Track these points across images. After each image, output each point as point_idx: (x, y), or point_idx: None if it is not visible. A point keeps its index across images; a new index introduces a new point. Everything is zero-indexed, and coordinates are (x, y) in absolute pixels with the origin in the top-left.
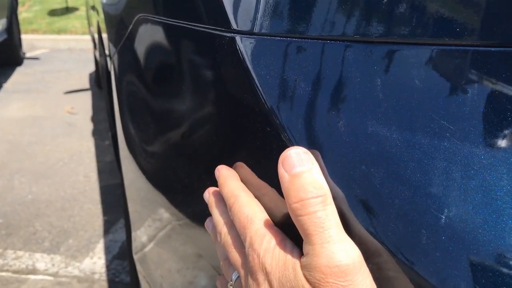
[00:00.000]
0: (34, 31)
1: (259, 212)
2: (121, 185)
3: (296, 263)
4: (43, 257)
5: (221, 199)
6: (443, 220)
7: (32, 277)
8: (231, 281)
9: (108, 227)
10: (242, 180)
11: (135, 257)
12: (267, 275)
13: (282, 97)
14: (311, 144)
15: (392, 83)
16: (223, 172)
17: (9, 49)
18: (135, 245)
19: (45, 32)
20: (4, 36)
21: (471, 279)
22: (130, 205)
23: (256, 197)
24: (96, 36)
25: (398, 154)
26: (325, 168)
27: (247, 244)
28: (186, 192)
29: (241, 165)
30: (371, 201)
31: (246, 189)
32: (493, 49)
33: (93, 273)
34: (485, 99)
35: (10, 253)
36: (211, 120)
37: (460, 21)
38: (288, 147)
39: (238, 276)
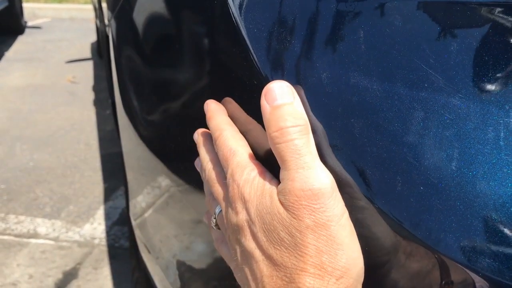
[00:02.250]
0: (35, 0)
1: (243, 145)
2: (121, 153)
3: (273, 190)
4: (44, 222)
5: (208, 138)
6: (418, 168)
7: (33, 241)
8: (214, 214)
9: (108, 194)
10: (229, 116)
11: (134, 223)
12: (245, 203)
13: (269, 50)
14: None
15: (374, 35)
16: (211, 107)
17: (10, 17)
18: (134, 211)
19: (46, 1)
20: (5, 4)
21: (443, 224)
22: (129, 173)
23: (242, 132)
24: (96, 4)
25: (378, 104)
26: (306, 103)
27: (228, 175)
28: (184, 159)
29: (229, 100)
30: (350, 149)
31: (232, 123)
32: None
33: (93, 238)
34: (464, 50)
35: (12, 217)
36: (207, 84)
37: None
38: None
39: (221, 210)
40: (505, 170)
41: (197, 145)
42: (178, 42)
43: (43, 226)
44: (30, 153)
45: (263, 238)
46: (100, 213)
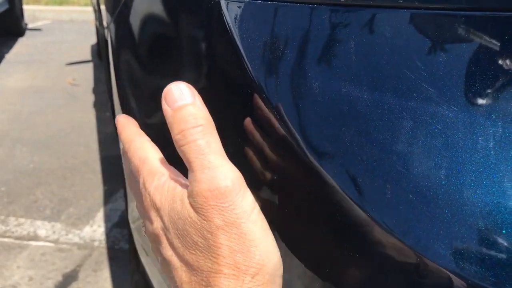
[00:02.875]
0: (36, 2)
1: (152, 153)
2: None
3: (184, 194)
4: (44, 225)
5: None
6: (407, 176)
7: (33, 243)
8: (143, 226)
9: (108, 197)
10: (145, 124)
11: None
12: (158, 211)
13: (262, 59)
14: (287, 104)
15: (365, 46)
16: (120, 120)
17: (11, 19)
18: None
19: (47, 3)
20: (6, 6)
21: (431, 231)
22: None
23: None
24: (96, 6)
25: (368, 113)
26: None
27: (140, 185)
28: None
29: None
30: (341, 157)
31: (142, 133)
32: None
33: (93, 240)
34: (453, 61)
35: (12, 220)
36: (204, 88)
37: None
38: (267, 106)
39: None
40: (491, 179)
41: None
42: (175, 48)
43: (43, 228)
44: (30, 155)
45: (178, 244)
46: (100, 216)
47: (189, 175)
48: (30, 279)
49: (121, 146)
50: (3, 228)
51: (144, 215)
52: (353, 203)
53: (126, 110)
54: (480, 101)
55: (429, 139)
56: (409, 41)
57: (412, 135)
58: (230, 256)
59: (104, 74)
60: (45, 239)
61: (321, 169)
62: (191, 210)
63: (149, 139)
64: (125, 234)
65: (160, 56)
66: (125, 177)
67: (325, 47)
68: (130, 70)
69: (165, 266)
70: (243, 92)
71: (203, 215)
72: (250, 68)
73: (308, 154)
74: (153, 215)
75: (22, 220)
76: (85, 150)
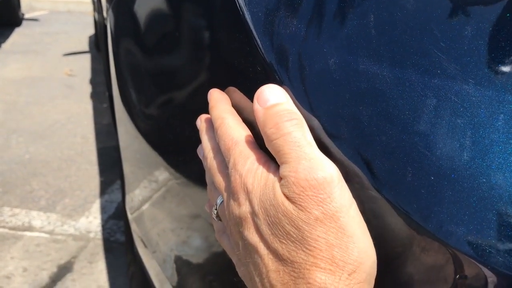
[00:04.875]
0: None
1: (245, 135)
2: (118, 147)
3: (276, 182)
4: (39, 215)
5: (211, 125)
6: (429, 158)
7: (28, 233)
8: (215, 205)
9: (104, 188)
10: (234, 105)
11: (130, 217)
12: (248, 194)
13: (274, 34)
14: (301, 82)
15: (384, 19)
16: (214, 95)
17: (8, 9)
18: (130, 205)
19: None
20: None
21: (455, 217)
22: (126, 166)
23: (246, 122)
24: None
25: (388, 91)
26: (299, 104)
27: (230, 165)
28: (182, 152)
29: (233, 90)
30: (358, 138)
31: (235, 112)
32: None
33: (89, 232)
34: (477, 35)
35: (6, 210)
36: (208, 74)
37: None
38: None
39: (223, 201)
40: None
41: (200, 132)
42: (178, 32)
43: (38, 219)
44: (26, 145)
45: (268, 231)
46: (95, 207)
47: (282, 168)
48: (25, 270)
49: (198, 123)
50: None
51: (231, 196)
52: (372, 188)
53: (125, 100)
54: (508, 78)
55: (454, 118)
56: (432, 13)
57: (435, 114)
58: (327, 250)
59: (102, 65)
60: (40, 230)
61: (339, 151)
62: (285, 199)
63: (241, 120)
64: (121, 225)
65: (161, 43)
66: (204, 155)
67: (340, 21)
68: (130, 59)
69: (248, 251)
70: (252, 72)
71: (300, 205)
72: (261, 47)
73: (324, 136)
74: (242, 197)
75: (17, 210)
76: (82, 141)
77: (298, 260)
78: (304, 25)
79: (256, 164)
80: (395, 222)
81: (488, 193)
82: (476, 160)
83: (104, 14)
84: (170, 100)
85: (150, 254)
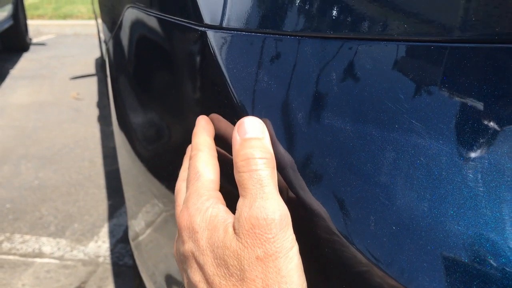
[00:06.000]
0: (40, 17)
1: (211, 172)
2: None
3: (228, 222)
4: (49, 241)
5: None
6: (390, 208)
7: (38, 260)
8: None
9: (112, 212)
10: (217, 132)
11: (132, 244)
12: (193, 233)
13: (248, 89)
14: (274, 135)
15: (352, 78)
16: (201, 123)
17: (16, 35)
18: (130, 232)
19: (51, 18)
20: (10, 22)
21: (415, 263)
22: (126, 191)
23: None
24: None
25: (351, 144)
26: (275, 139)
27: (184, 200)
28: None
29: (218, 119)
30: (325, 188)
31: (212, 146)
32: (445, 44)
33: (98, 256)
34: (435, 93)
35: (17, 237)
36: (191, 109)
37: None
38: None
39: None
40: (474, 211)
41: (185, 157)
42: (166, 71)
43: (48, 245)
44: (35, 171)
45: (211, 271)
46: (104, 231)
47: (240, 201)
48: None
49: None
50: (9, 245)
51: (178, 232)
52: (339, 234)
53: (122, 125)
54: (463, 133)
55: (412, 171)
56: (392, 73)
57: (395, 166)
58: None
59: (106, 88)
60: (50, 256)
61: (310, 199)
62: (234, 239)
63: (216, 155)
64: (129, 249)
65: (153, 79)
66: (177, 182)
67: (309, 79)
68: (125, 88)
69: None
70: (230, 121)
71: (246, 241)
72: (236, 98)
73: (293, 185)
74: (186, 235)
75: (27, 237)
76: (89, 165)
77: None
78: (274, 81)
79: (206, 204)
80: (360, 268)
81: (444, 241)
82: (432, 210)
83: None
84: (162, 128)
85: (150, 280)
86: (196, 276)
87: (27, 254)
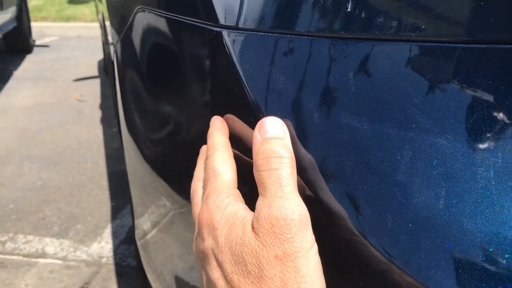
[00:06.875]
0: (43, 19)
1: (228, 169)
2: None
3: (247, 220)
4: (52, 242)
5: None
6: (407, 206)
7: (41, 260)
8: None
9: (115, 213)
10: (231, 132)
11: (139, 243)
12: (213, 230)
13: (264, 90)
14: (292, 133)
15: (368, 78)
16: (215, 123)
17: (19, 37)
18: (137, 231)
19: (54, 20)
20: (14, 24)
21: (432, 261)
22: (133, 191)
23: (240, 152)
24: (102, 22)
25: (368, 143)
26: (296, 139)
27: (203, 198)
28: (187, 178)
29: (233, 119)
30: (342, 187)
31: (228, 145)
32: (460, 45)
33: (101, 257)
34: (452, 92)
35: (20, 237)
36: (204, 110)
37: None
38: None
39: None
40: (491, 209)
41: (198, 157)
42: (178, 72)
43: (51, 245)
44: (38, 172)
45: (229, 269)
46: (107, 232)
47: (260, 200)
48: None
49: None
50: (12, 245)
51: (198, 229)
52: (358, 234)
53: (130, 126)
54: (479, 132)
55: (428, 169)
56: (408, 73)
57: (412, 165)
58: None
59: (110, 90)
60: (53, 257)
61: (329, 198)
62: (252, 237)
63: (232, 154)
64: (132, 250)
65: (164, 79)
66: (192, 182)
67: (324, 78)
68: (135, 90)
69: (209, 285)
70: (245, 121)
71: (264, 240)
72: (252, 98)
73: (312, 185)
74: (206, 233)
75: (30, 237)
76: (92, 166)
77: None
78: (290, 81)
79: (226, 201)
80: (378, 266)
81: (462, 239)
82: (450, 208)
83: (110, 40)
84: (172, 129)
85: (157, 280)
86: (215, 273)
87: (30, 254)
